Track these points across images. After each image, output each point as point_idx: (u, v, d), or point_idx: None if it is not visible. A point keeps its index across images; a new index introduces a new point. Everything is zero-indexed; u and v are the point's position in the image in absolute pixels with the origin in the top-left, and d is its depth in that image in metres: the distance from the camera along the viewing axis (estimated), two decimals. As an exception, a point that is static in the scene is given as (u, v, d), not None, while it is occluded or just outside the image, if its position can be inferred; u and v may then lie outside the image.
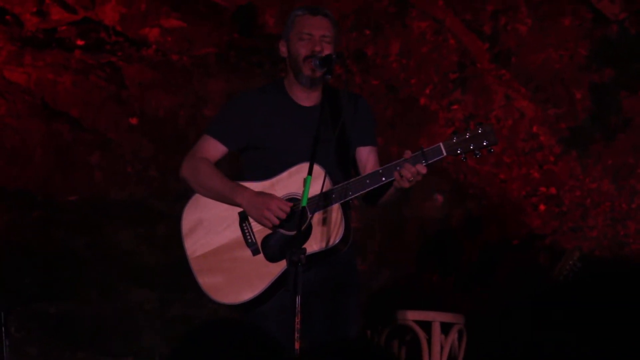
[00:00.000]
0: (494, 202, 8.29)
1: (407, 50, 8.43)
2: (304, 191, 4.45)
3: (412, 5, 8.47)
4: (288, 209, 4.73)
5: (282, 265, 4.69)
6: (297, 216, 4.65)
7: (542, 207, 8.26)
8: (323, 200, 4.72)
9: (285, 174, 4.83)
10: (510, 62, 8.39)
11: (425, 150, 4.66)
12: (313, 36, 4.90)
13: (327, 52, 4.88)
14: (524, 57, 8.37)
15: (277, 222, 4.73)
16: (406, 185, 4.66)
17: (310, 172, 4.49)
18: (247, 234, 4.82)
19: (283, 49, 5.01)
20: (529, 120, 8.32)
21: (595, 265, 8.07)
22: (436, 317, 7.04)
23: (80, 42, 8.37)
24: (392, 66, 8.42)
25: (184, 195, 4.99)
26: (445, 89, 8.40)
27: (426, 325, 7.03)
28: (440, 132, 8.23)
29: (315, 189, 4.64)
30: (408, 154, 4.66)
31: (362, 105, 5.08)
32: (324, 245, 4.72)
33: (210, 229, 4.90)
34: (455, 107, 8.38)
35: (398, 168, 4.65)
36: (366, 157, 5.02)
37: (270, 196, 4.77)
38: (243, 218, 4.84)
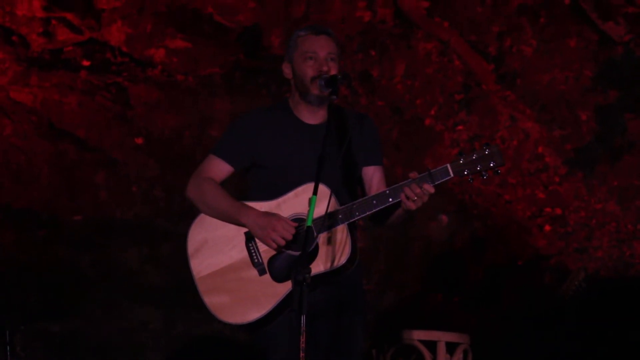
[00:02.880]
0: (499, 222, 8.28)
1: (412, 71, 8.44)
2: (309, 211, 4.44)
3: (418, 26, 8.50)
4: (293, 230, 4.72)
5: (288, 285, 4.68)
6: (303, 236, 4.64)
7: (547, 227, 8.26)
8: (329, 221, 4.71)
9: (291, 194, 4.82)
10: (515, 83, 8.40)
11: (432, 171, 4.64)
12: (318, 56, 4.88)
13: (333, 71, 4.86)
14: (529, 78, 8.39)
15: (282, 243, 4.72)
16: (412, 207, 4.65)
17: (315, 192, 4.47)
18: (254, 254, 4.81)
19: (287, 71, 4.99)
20: (534, 141, 8.32)
21: (600, 285, 8.06)
22: (441, 337, 7.03)
23: (86, 63, 8.40)
24: (397, 87, 8.43)
25: (189, 214, 4.99)
26: (451, 109, 8.41)
27: (432, 345, 7.01)
28: (445, 153, 8.24)
29: (321, 209, 4.63)
30: (415, 174, 4.65)
31: (368, 125, 5.06)
32: (330, 265, 4.70)
33: (216, 249, 4.88)
34: (460, 127, 8.39)
35: (405, 188, 4.64)
36: (371, 177, 5.01)
37: (276, 216, 4.75)
38: (249, 238, 4.83)
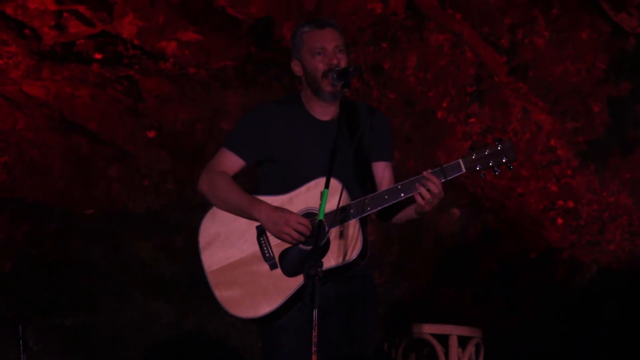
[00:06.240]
0: (512, 215, 8.27)
1: (424, 63, 8.43)
2: (320, 204, 4.44)
3: (429, 18, 8.48)
4: (308, 224, 4.73)
5: (299, 279, 4.69)
6: (314, 230, 4.64)
7: (559, 220, 8.24)
8: (341, 215, 4.71)
9: (303, 189, 4.82)
10: (527, 75, 8.39)
11: (444, 166, 4.65)
12: (327, 50, 4.87)
13: (343, 62, 4.86)
14: (542, 70, 8.37)
15: (297, 236, 4.73)
16: (427, 207, 4.65)
17: (327, 185, 4.48)
18: (265, 248, 4.81)
19: (297, 69, 4.97)
20: (547, 134, 8.31)
21: (613, 279, 8.06)
22: (453, 331, 7.03)
23: (98, 56, 8.40)
24: (409, 80, 8.42)
25: (201, 207, 4.99)
26: (463, 102, 8.40)
27: (443, 339, 7.02)
28: (457, 146, 8.22)
29: (332, 203, 4.63)
30: (428, 171, 4.66)
31: (380, 120, 5.06)
32: (341, 260, 4.71)
33: (228, 243, 4.89)
34: (472, 120, 8.38)
35: (417, 184, 4.64)
36: (382, 173, 5.00)
37: (289, 211, 4.76)
38: (260, 232, 4.83)
